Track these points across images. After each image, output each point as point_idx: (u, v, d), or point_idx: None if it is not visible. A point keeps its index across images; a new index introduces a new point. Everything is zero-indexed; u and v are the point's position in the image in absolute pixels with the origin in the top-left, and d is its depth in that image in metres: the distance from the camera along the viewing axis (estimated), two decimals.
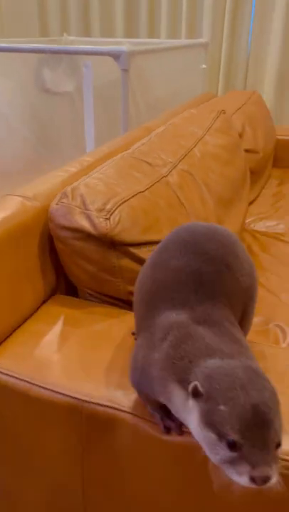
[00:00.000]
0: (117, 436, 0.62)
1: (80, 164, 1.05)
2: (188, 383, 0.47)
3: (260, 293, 1.10)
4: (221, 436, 0.43)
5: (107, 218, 0.77)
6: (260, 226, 1.52)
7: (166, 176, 1.01)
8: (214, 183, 1.13)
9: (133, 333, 0.73)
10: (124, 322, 0.77)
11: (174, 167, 1.06)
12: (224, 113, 1.40)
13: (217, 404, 0.43)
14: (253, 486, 0.42)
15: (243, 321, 0.64)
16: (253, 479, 0.42)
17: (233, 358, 0.48)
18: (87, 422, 0.62)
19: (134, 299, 0.66)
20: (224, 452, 0.43)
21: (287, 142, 2.03)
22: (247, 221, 1.54)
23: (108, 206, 0.79)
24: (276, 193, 1.74)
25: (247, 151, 1.57)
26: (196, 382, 0.46)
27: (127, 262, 0.80)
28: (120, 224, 0.78)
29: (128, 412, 0.60)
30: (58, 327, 0.74)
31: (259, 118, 1.78)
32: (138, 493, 0.65)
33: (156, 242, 0.83)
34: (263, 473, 0.42)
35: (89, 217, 0.77)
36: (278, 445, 0.44)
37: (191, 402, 0.46)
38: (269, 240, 1.36)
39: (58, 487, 0.71)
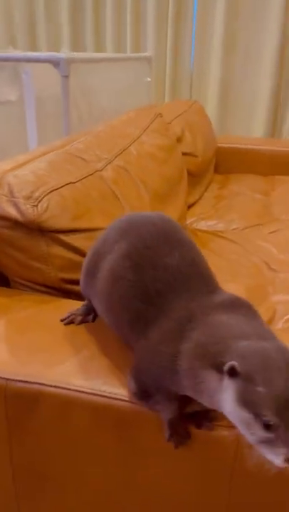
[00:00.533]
0: (44, 414, 0.62)
1: (14, 161, 1.06)
2: (224, 365, 0.46)
3: None
4: (257, 416, 0.43)
5: (34, 205, 0.78)
6: (202, 225, 1.57)
7: (101, 170, 1.03)
8: (150, 180, 1.17)
9: (62, 320, 0.73)
10: (56, 308, 0.78)
11: (109, 163, 1.08)
12: (161, 116, 1.46)
13: (255, 385, 0.43)
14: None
15: None
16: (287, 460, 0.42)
17: (267, 340, 0.48)
18: (12, 402, 0.62)
19: (107, 306, 0.63)
20: (260, 432, 0.43)
21: (228, 149, 2.12)
22: (189, 221, 1.59)
23: (36, 194, 0.80)
24: (217, 195, 1.81)
25: (186, 154, 1.63)
26: (234, 362, 0.45)
27: (57, 249, 0.80)
28: (48, 211, 0.79)
29: (54, 386, 0.60)
30: None
31: (199, 125, 1.85)
32: (69, 478, 0.65)
33: (87, 230, 0.85)
34: None
35: (16, 205, 0.78)
36: None
37: (227, 382, 0.46)
38: (208, 236, 1.41)
39: None
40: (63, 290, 0.83)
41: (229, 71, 2.51)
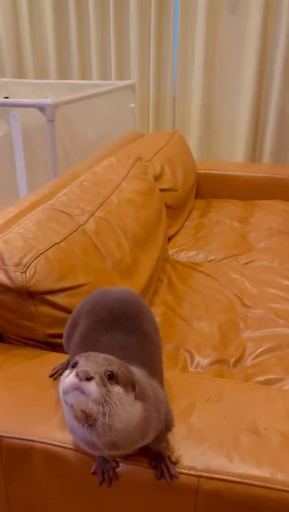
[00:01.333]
0: (34, 463, 0.72)
1: (4, 216, 1.16)
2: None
3: (174, 321, 1.25)
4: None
5: (23, 272, 0.88)
6: (182, 256, 1.68)
7: (84, 224, 1.14)
8: (129, 226, 1.27)
9: (51, 376, 0.83)
10: (44, 362, 0.88)
11: (92, 215, 1.19)
12: (140, 159, 1.57)
13: None
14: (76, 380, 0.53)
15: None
16: (76, 374, 0.53)
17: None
18: (6, 455, 0.72)
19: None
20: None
21: (207, 175, 2.24)
22: (170, 252, 1.70)
23: (24, 260, 0.90)
24: (197, 224, 1.92)
25: (167, 190, 1.74)
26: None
27: (44, 309, 0.91)
28: (36, 276, 0.89)
29: (40, 442, 0.70)
30: None
31: (178, 157, 1.96)
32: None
33: (70, 288, 0.95)
34: (84, 370, 0.53)
35: (6, 272, 0.88)
36: (110, 374, 0.55)
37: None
38: (187, 270, 1.52)
39: None
40: (50, 344, 0.93)
41: (210, 96, 2.62)
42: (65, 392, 0.55)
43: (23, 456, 0.71)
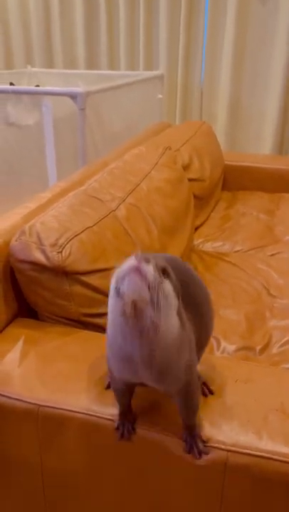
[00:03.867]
0: (68, 434, 0.75)
1: (38, 201, 1.20)
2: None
3: None
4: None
5: (59, 252, 0.92)
6: (208, 247, 1.69)
7: (115, 210, 1.17)
8: (158, 214, 1.30)
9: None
10: (77, 339, 0.92)
11: (122, 201, 1.21)
12: (170, 149, 1.58)
13: None
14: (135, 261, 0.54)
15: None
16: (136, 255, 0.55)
17: None
18: (42, 424, 0.76)
19: None
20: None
21: (234, 167, 2.23)
22: (196, 243, 1.71)
23: (60, 241, 0.93)
24: (224, 216, 1.93)
25: (194, 180, 1.75)
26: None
27: (78, 288, 0.94)
28: (71, 256, 0.92)
29: (76, 412, 0.74)
30: (18, 346, 0.88)
31: (206, 148, 1.97)
32: (89, 487, 0.79)
33: (103, 270, 0.98)
34: (142, 255, 0.55)
35: (44, 252, 0.91)
36: (164, 269, 0.57)
37: None
38: (213, 260, 1.53)
39: (19, 489, 0.83)
40: (83, 322, 0.96)
41: (238, 88, 2.61)
42: (121, 279, 0.56)
43: (58, 425, 0.75)
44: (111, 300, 0.60)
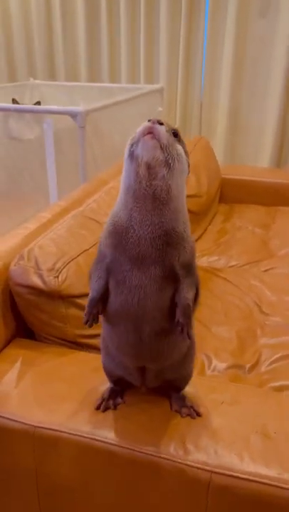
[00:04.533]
0: (62, 452, 0.80)
1: (38, 221, 1.24)
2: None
3: (194, 325, 1.31)
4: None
5: (56, 276, 0.96)
6: (203, 261, 1.73)
7: None
8: None
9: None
10: (72, 359, 0.96)
11: None
12: None
13: None
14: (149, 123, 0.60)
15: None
16: (149, 120, 0.61)
17: None
18: (38, 443, 0.80)
19: None
20: None
21: (232, 180, 2.28)
22: None
23: (57, 265, 0.98)
24: (220, 229, 1.97)
25: (191, 196, 1.80)
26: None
27: (73, 311, 0.99)
28: (67, 280, 0.97)
29: (69, 433, 0.78)
30: (16, 367, 0.92)
31: (203, 164, 2.01)
32: (82, 500, 0.83)
33: None
34: (155, 118, 0.60)
35: (41, 277, 0.96)
36: (175, 132, 0.62)
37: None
38: (207, 275, 1.57)
39: (17, 498, 0.88)
40: (78, 343, 1.01)
41: (237, 100, 2.65)
42: (136, 141, 0.61)
43: (52, 445, 0.79)
44: (125, 165, 0.64)
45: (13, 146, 2.13)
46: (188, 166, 0.65)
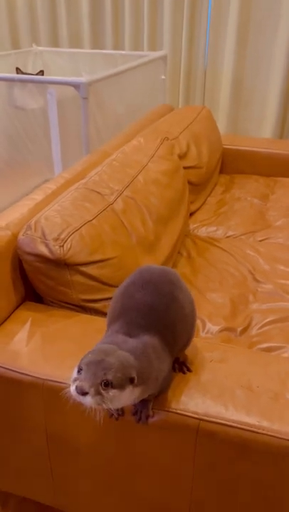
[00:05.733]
0: (68, 403, 0.89)
1: (43, 192, 1.31)
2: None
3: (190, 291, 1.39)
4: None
5: (61, 246, 1.04)
6: (202, 232, 1.80)
7: (113, 203, 1.28)
8: (153, 205, 1.40)
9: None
10: (77, 321, 1.05)
11: (120, 194, 1.32)
12: (167, 139, 1.67)
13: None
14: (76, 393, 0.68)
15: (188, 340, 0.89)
16: (76, 387, 0.68)
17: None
18: (47, 394, 0.90)
19: (110, 311, 0.87)
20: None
21: (233, 151, 2.31)
22: (192, 227, 1.83)
23: (62, 236, 1.06)
24: (219, 200, 2.03)
25: (191, 167, 1.85)
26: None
27: (78, 278, 1.07)
28: (71, 249, 1.05)
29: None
30: (26, 327, 1.02)
31: (205, 134, 2.05)
32: (84, 446, 0.94)
33: (101, 261, 1.11)
34: (81, 385, 0.67)
35: (47, 246, 1.03)
36: (106, 382, 0.68)
37: None
38: (205, 245, 1.65)
39: (28, 449, 0.99)
40: (83, 307, 1.10)
41: (241, 69, 2.64)
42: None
43: (60, 397, 0.89)
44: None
45: (18, 116, 2.16)
46: (134, 382, 0.72)
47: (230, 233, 1.77)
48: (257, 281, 1.44)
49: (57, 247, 1.04)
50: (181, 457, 0.86)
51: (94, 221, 1.16)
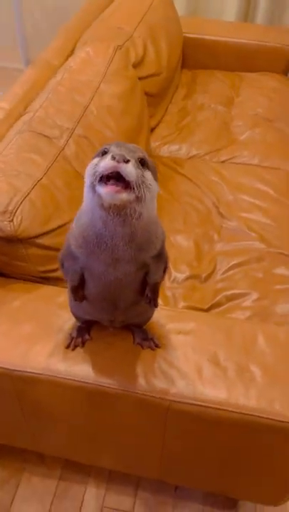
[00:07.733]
0: (41, 391, 0.90)
1: None
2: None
3: None
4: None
5: (10, 221, 0.93)
6: (164, 151, 1.67)
7: (64, 148, 1.13)
8: (110, 140, 1.25)
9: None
10: (40, 296, 1.00)
11: (71, 135, 1.16)
12: (120, 48, 1.42)
13: None
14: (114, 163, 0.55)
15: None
16: (113, 157, 0.55)
17: None
18: (16, 381, 0.90)
19: None
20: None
21: (194, 40, 2.03)
22: (153, 146, 1.68)
23: (10, 208, 0.94)
24: (181, 108, 1.84)
25: (150, 76, 1.62)
26: None
27: (33, 250, 0.99)
28: (23, 223, 0.94)
29: (42, 374, 0.87)
30: None
31: (162, 26, 1.76)
32: (63, 420, 0.97)
33: (57, 228, 1.02)
34: (120, 154, 0.55)
35: None
36: (142, 160, 0.58)
37: None
38: (168, 172, 1.54)
39: (7, 417, 1.02)
40: (42, 277, 1.04)
41: None
42: (98, 180, 0.57)
43: (31, 384, 0.89)
44: (87, 194, 0.61)
45: None
46: (157, 180, 0.62)
47: (193, 152, 1.65)
48: (222, 215, 1.40)
49: (6, 222, 0.93)
50: (153, 425, 0.92)
51: (44, 179, 1.03)
